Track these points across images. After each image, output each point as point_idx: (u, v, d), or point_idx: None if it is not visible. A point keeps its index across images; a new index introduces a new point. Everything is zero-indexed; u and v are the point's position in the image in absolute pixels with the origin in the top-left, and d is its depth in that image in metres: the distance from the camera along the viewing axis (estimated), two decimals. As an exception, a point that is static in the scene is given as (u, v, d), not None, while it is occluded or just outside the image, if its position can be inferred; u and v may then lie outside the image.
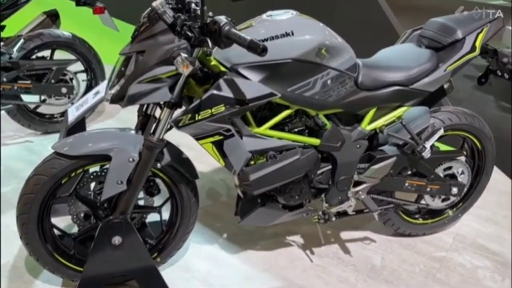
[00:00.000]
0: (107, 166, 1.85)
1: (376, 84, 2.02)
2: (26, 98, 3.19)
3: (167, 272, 2.15)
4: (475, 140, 2.35)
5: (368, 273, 2.24)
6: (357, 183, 2.16)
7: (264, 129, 1.90)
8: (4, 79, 2.97)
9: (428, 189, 2.27)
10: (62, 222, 2.17)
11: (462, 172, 2.34)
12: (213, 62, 1.82)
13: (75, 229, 2.07)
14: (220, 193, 2.82)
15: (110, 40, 3.61)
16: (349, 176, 2.10)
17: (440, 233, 2.54)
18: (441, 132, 2.15)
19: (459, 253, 2.41)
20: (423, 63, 2.11)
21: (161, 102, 1.80)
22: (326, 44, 1.84)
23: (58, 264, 1.93)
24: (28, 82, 3.08)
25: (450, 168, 2.31)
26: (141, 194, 2.00)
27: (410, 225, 2.44)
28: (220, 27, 1.55)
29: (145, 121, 1.84)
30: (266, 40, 1.76)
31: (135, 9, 2.47)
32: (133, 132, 1.87)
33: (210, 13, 1.65)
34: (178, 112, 1.80)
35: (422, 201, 2.37)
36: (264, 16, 1.89)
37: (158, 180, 2.01)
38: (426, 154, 2.10)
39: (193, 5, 1.69)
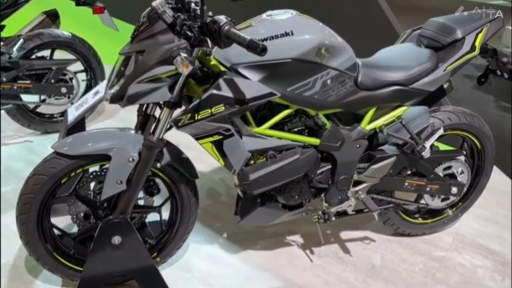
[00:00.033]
0: (106, 165, 1.85)
1: (376, 84, 2.02)
2: (26, 98, 3.19)
3: (167, 272, 2.15)
4: (475, 140, 2.35)
5: (368, 272, 2.24)
6: (357, 183, 2.16)
7: (263, 128, 1.90)
8: (4, 79, 2.97)
9: (428, 189, 2.27)
10: (62, 222, 2.17)
11: (462, 172, 2.34)
12: (213, 62, 1.82)
13: (74, 229, 2.07)
14: (219, 193, 2.82)
15: (110, 40, 3.61)
16: (349, 176, 2.10)
17: (440, 232, 2.54)
18: (440, 131, 2.15)
19: (459, 253, 2.41)
20: (423, 62, 2.11)
21: (161, 102, 1.80)
22: (325, 44, 1.84)
23: (58, 263, 1.93)
24: (28, 82, 3.08)
25: (449, 167, 2.31)
26: (141, 194, 2.01)
27: (410, 224, 2.44)
28: (220, 27, 1.55)
29: (144, 121, 1.85)
30: (266, 39, 1.76)
31: (135, 9, 2.47)
32: (132, 132, 1.87)
33: (210, 13, 1.65)
34: (177, 111, 1.80)
35: (422, 201, 2.37)
36: (263, 15, 1.89)
37: (157, 180, 2.01)
38: (426, 153, 2.10)
39: (192, 5, 1.69)
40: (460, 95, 4.16)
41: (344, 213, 2.24)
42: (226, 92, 1.75)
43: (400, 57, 2.17)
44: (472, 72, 3.26)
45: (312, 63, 1.84)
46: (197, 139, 1.84)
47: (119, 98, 1.72)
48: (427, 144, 2.10)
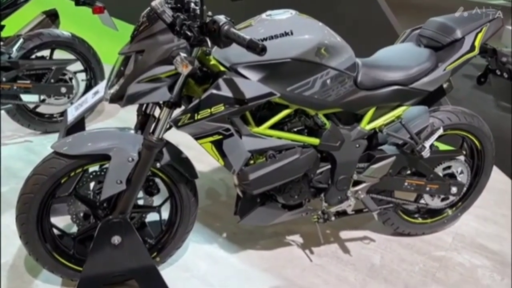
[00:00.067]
0: (106, 165, 1.85)
1: (376, 84, 2.02)
2: (26, 97, 3.19)
3: (166, 271, 2.15)
4: (475, 140, 2.35)
5: (368, 272, 2.24)
6: (357, 183, 2.16)
7: (263, 128, 1.90)
8: (4, 79, 2.97)
9: (428, 189, 2.27)
10: (62, 221, 2.17)
11: (462, 172, 2.34)
12: (213, 62, 1.82)
13: (74, 229, 2.07)
14: (219, 193, 2.82)
15: (110, 39, 3.61)
16: (349, 176, 2.10)
17: (440, 232, 2.55)
18: (440, 131, 2.15)
19: (459, 253, 2.41)
20: (423, 62, 2.11)
21: (161, 102, 1.80)
22: (325, 44, 1.84)
23: (58, 263, 1.93)
24: (28, 81, 3.08)
25: (449, 167, 2.31)
26: (141, 194, 2.01)
27: (410, 224, 2.44)
28: (220, 27, 1.55)
29: (144, 121, 1.85)
30: (266, 39, 1.76)
31: (134, 9, 2.47)
32: (132, 131, 1.87)
33: (210, 13, 1.65)
34: (177, 111, 1.80)
35: (422, 201, 2.37)
36: (263, 15, 1.89)
37: (157, 180, 2.01)
38: (426, 153, 2.10)
39: (192, 5, 1.68)
40: (459, 95, 4.16)
41: (343, 213, 2.24)
42: (225, 92, 1.75)
43: (400, 57, 2.17)
44: (472, 72, 3.25)
45: (311, 63, 1.84)
46: (196, 139, 1.84)
47: (119, 98, 1.72)
48: (427, 144, 2.10)
